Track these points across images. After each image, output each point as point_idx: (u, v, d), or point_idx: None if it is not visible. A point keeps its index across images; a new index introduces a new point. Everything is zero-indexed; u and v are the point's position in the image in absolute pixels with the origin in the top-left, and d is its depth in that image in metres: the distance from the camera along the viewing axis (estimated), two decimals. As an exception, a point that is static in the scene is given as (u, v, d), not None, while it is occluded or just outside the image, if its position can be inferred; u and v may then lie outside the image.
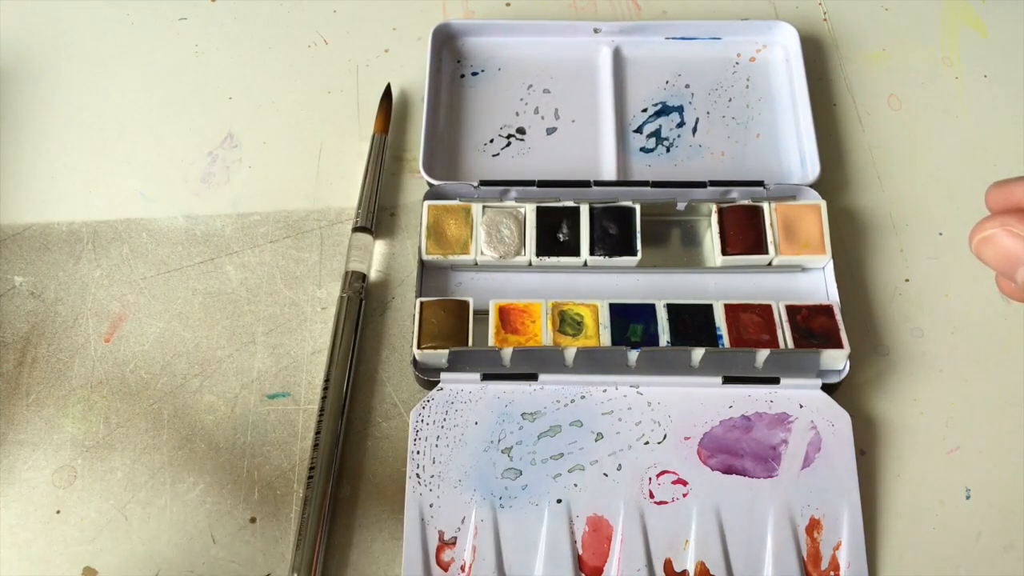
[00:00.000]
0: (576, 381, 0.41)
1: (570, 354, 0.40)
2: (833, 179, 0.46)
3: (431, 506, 0.39)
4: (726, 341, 0.40)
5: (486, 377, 0.41)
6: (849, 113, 0.49)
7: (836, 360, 0.40)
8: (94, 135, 0.48)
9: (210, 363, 0.42)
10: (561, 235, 0.43)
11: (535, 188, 0.44)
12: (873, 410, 0.41)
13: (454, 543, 0.38)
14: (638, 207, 0.43)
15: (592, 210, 0.43)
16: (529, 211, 0.43)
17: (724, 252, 0.43)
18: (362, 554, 0.39)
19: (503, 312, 0.41)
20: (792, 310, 0.41)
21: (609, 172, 0.46)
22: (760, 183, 0.44)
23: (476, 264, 0.43)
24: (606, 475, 0.39)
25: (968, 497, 0.40)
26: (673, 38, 0.50)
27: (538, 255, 0.43)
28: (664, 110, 0.48)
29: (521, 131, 0.47)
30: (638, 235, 0.43)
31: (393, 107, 0.48)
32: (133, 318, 0.43)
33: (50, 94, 0.49)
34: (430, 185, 0.44)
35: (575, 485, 0.39)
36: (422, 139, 0.45)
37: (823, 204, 0.43)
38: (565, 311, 0.41)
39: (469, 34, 0.50)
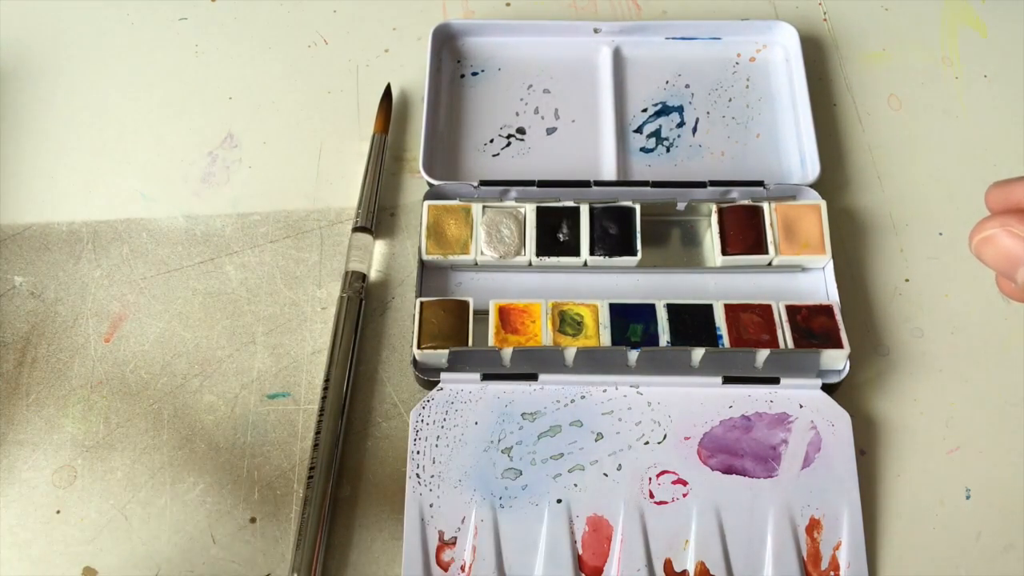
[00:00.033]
0: (576, 381, 0.41)
1: (570, 354, 0.40)
2: (833, 179, 0.46)
3: (431, 506, 0.39)
4: (726, 341, 0.40)
5: (486, 377, 0.41)
6: (849, 113, 0.49)
7: (836, 360, 0.40)
8: (94, 135, 0.48)
9: (210, 363, 0.42)
10: (561, 235, 0.43)
11: (535, 188, 0.44)
12: (873, 410, 0.41)
13: (454, 543, 0.38)
14: (638, 207, 0.43)
15: (592, 210, 0.43)
16: (529, 211, 0.43)
17: (724, 252, 0.43)
18: (362, 554, 0.39)
19: (503, 312, 0.41)
20: (792, 310, 0.41)
21: (609, 172, 0.46)
22: (760, 183, 0.44)
23: (476, 264, 0.43)
24: (606, 475, 0.39)
25: (968, 497, 0.40)
26: (673, 38, 0.50)
27: (538, 255, 0.43)
28: (664, 110, 0.48)
29: (521, 131, 0.47)
30: (638, 235, 0.43)
31: (393, 107, 0.48)
32: (133, 318, 0.43)
33: (50, 94, 0.49)
34: (430, 185, 0.44)
35: (575, 485, 0.39)
36: (422, 139, 0.45)
37: (823, 204, 0.43)
38: (565, 311, 0.41)
39: (469, 34, 0.50)
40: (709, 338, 0.40)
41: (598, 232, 0.43)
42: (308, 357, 0.42)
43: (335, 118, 0.49)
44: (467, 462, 0.39)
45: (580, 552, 0.38)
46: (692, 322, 0.40)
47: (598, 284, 0.43)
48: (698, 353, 0.39)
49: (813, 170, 0.45)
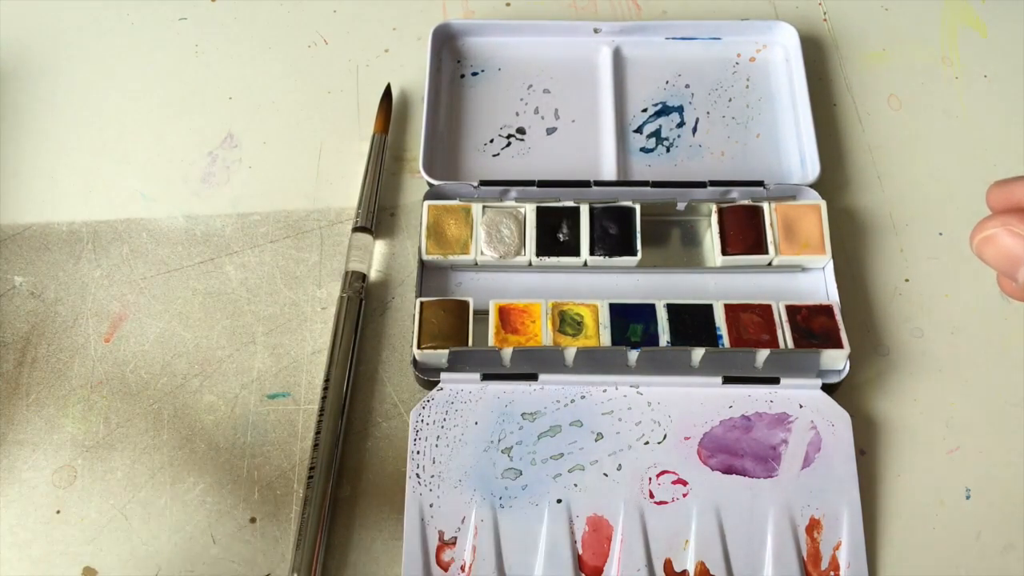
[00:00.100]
0: (576, 381, 0.41)
1: (570, 354, 0.40)
2: (833, 179, 0.46)
3: (431, 506, 0.39)
4: (726, 341, 0.40)
5: (486, 377, 0.41)
6: (849, 113, 0.49)
7: (836, 360, 0.40)
8: (94, 135, 0.48)
9: (210, 363, 0.42)
10: (561, 235, 0.43)
11: (535, 188, 0.44)
12: (873, 410, 0.41)
13: (454, 543, 0.38)
14: (638, 207, 0.43)
15: (592, 210, 0.43)
16: (529, 211, 0.43)
17: (724, 252, 0.43)
18: (362, 554, 0.39)
19: (503, 312, 0.41)
20: (792, 310, 0.41)
21: (609, 172, 0.46)
22: (760, 183, 0.44)
23: (476, 264, 0.43)
24: (606, 475, 0.39)
25: (968, 497, 0.40)
26: (673, 38, 0.50)
27: (538, 255, 0.43)
28: (664, 110, 0.48)
29: (521, 131, 0.47)
30: (638, 235, 0.43)
31: (393, 107, 0.48)
32: (133, 318, 0.43)
33: (50, 94, 0.49)
34: (430, 185, 0.44)
35: (575, 485, 0.39)
36: (422, 139, 0.45)
37: (823, 204, 0.43)
38: (565, 311, 0.41)
39: (469, 34, 0.50)
40: (709, 338, 0.40)
41: (598, 232, 0.43)
42: (308, 357, 0.42)
43: (335, 118, 0.49)
44: (467, 462, 0.39)
45: (580, 552, 0.38)
46: (692, 322, 0.40)
47: (598, 284, 0.43)
48: (698, 353, 0.39)
49: (813, 170, 0.45)
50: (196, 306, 0.44)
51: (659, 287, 0.43)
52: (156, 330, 0.43)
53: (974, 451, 0.41)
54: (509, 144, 0.47)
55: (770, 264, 0.43)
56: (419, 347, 0.40)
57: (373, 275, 0.44)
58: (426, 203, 0.44)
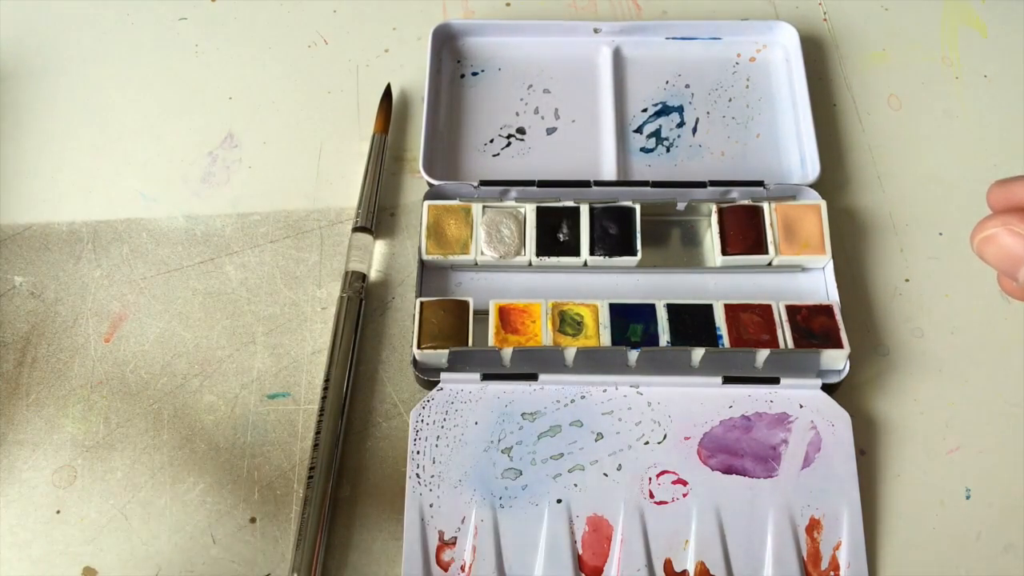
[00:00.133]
0: (576, 381, 0.41)
1: (570, 354, 0.40)
2: (833, 179, 0.46)
3: (431, 506, 0.39)
4: (726, 341, 0.40)
5: (486, 377, 0.41)
6: (849, 113, 0.49)
7: (836, 360, 0.40)
8: (94, 135, 0.48)
9: (210, 363, 0.42)
10: (561, 235, 0.43)
11: (535, 188, 0.44)
12: (873, 410, 0.41)
13: (454, 543, 0.38)
14: (638, 207, 0.43)
15: (592, 210, 0.43)
16: (529, 211, 0.43)
17: (724, 252, 0.43)
18: (362, 554, 0.39)
19: (503, 312, 0.41)
20: (792, 310, 0.41)
21: (609, 172, 0.46)
22: (760, 183, 0.44)
23: (476, 264, 0.43)
24: (606, 475, 0.39)
25: (968, 497, 0.40)
26: (673, 38, 0.50)
27: (538, 255, 0.43)
28: (664, 110, 0.48)
29: (521, 131, 0.47)
30: (638, 235, 0.43)
31: (393, 107, 0.48)
32: (133, 318, 0.43)
33: (50, 94, 0.49)
34: (430, 185, 0.44)
35: (575, 485, 0.39)
36: (422, 139, 0.45)
37: (823, 204, 0.43)
38: (565, 311, 0.41)
39: (469, 34, 0.50)
40: (709, 338, 0.40)
41: (598, 232, 0.43)
42: (308, 357, 0.42)
43: (335, 118, 0.49)
44: (467, 462, 0.39)
45: (580, 552, 0.38)
46: (692, 322, 0.40)
47: (598, 284, 0.43)
48: (698, 353, 0.39)
49: (813, 170, 0.45)
50: (196, 306, 0.44)
51: (659, 287, 0.43)
52: (156, 330, 0.43)
53: (974, 451, 0.41)
54: (509, 144, 0.47)
55: (770, 264, 0.43)
56: (419, 347, 0.40)
57: (373, 275, 0.44)
58: (426, 203, 0.44)
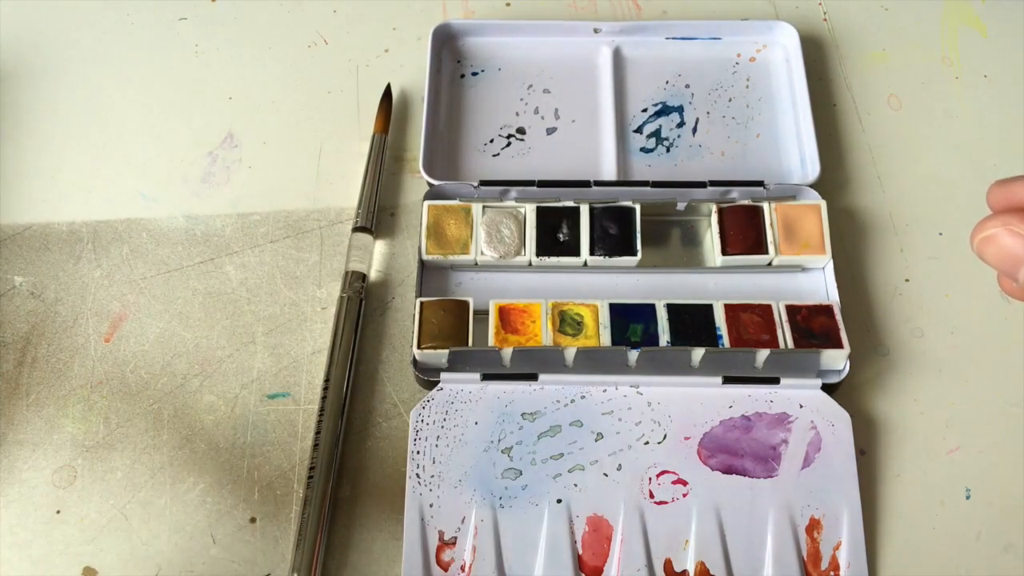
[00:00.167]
0: (576, 381, 0.41)
1: (570, 354, 0.40)
2: (833, 179, 0.46)
3: (431, 506, 0.39)
4: (726, 341, 0.40)
5: (486, 377, 0.41)
6: (849, 113, 0.49)
7: (836, 360, 0.40)
8: (94, 135, 0.48)
9: (210, 363, 0.42)
10: (561, 235, 0.43)
11: (535, 188, 0.44)
12: (873, 410, 0.41)
13: (454, 543, 0.38)
14: (638, 207, 0.43)
15: (592, 210, 0.43)
16: (529, 211, 0.43)
17: (724, 252, 0.43)
18: (362, 554, 0.39)
19: (503, 312, 0.41)
20: (792, 310, 0.41)
21: (609, 172, 0.46)
22: (760, 183, 0.44)
23: (476, 264, 0.43)
24: (606, 475, 0.39)
25: (968, 497, 0.40)
26: (673, 38, 0.50)
27: (538, 255, 0.43)
28: (664, 110, 0.48)
29: (521, 131, 0.47)
30: (638, 235, 0.43)
31: (393, 107, 0.48)
32: (133, 318, 0.43)
33: (50, 94, 0.49)
34: (430, 185, 0.44)
35: (575, 485, 0.39)
36: (422, 139, 0.45)
37: (823, 204, 0.43)
38: (565, 311, 0.41)
39: (469, 34, 0.50)
40: (709, 338, 0.40)
41: (598, 232, 0.43)
42: (308, 357, 0.42)
43: (335, 118, 0.49)
44: (467, 462, 0.39)
45: (580, 552, 0.38)
46: (692, 322, 0.40)
47: (598, 284, 0.43)
48: (698, 353, 0.39)
49: (813, 170, 0.45)
50: (196, 306, 0.44)
51: (659, 287, 0.43)
52: (156, 330, 0.43)
53: (974, 451, 0.41)
54: (509, 144, 0.47)
55: (770, 264, 0.43)
56: (419, 347, 0.40)
57: (373, 275, 0.44)
58: (426, 203, 0.44)
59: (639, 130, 0.48)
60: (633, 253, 0.43)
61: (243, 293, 0.44)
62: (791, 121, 0.47)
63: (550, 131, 0.47)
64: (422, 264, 0.43)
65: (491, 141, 0.47)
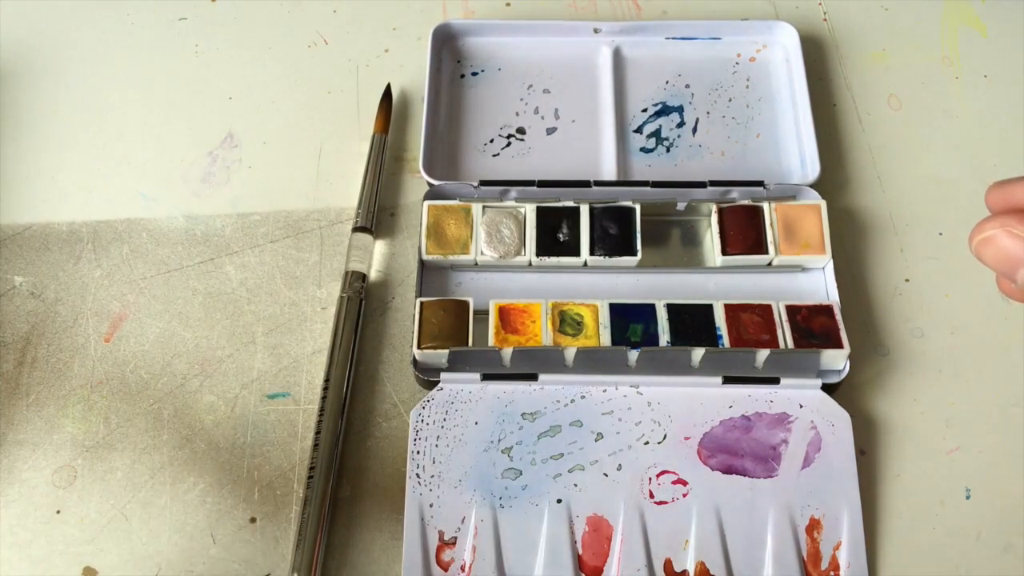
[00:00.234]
0: (576, 381, 0.41)
1: (570, 354, 0.40)
2: (833, 179, 0.46)
3: (431, 506, 0.39)
4: (726, 341, 0.40)
5: (486, 377, 0.41)
6: (849, 113, 0.49)
7: (836, 360, 0.40)
8: (94, 135, 0.48)
9: (210, 363, 0.42)
10: (561, 235, 0.43)
11: (535, 188, 0.44)
12: (873, 410, 0.41)
13: (454, 543, 0.38)
14: (638, 207, 0.43)
15: (592, 210, 0.43)
16: (529, 211, 0.43)
17: (724, 252, 0.43)
18: (362, 554, 0.39)
19: (503, 312, 0.41)
20: (792, 310, 0.41)
21: (609, 172, 0.46)
22: (760, 183, 0.44)
23: (476, 264, 0.43)
24: (606, 475, 0.39)
25: (968, 497, 0.40)
26: (673, 38, 0.50)
27: (538, 255, 0.43)
28: (664, 110, 0.48)
29: (521, 131, 0.47)
30: (638, 235, 0.43)
31: (393, 107, 0.48)
32: (133, 318, 0.43)
33: (50, 94, 0.49)
34: (430, 185, 0.44)
35: (575, 485, 0.39)
36: (422, 139, 0.45)
37: (823, 204, 0.43)
38: (565, 311, 0.41)
39: (469, 34, 0.50)
40: (709, 338, 0.40)
41: (598, 232, 0.43)
42: (308, 357, 0.42)
43: (335, 118, 0.49)
44: (467, 462, 0.39)
45: (580, 552, 0.38)
46: (692, 322, 0.40)
47: (598, 284, 0.43)
48: (698, 353, 0.39)
49: (813, 170, 0.45)
50: (196, 306, 0.44)
51: (659, 287, 0.43)
52: (156, 330, 0.43)
53: (974, 451, 0.41)
54: (509, 144, 0.47)
55: (770, 264, 0.43)
56: (419, 347, 0.40)
57: (373, 275, 0.44)
58: (426, 203, 0.44)
59: (639, 130, 0.48)
60: (633, 253, 0.43)
61: (243, 293, 0.44)
62: (791, 121, 0.47)
63: (550, 131, 0.47)
64: (422, 264, 0.43)
65: (491, 141, 0.47)
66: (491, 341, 0.40)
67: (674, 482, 0.39)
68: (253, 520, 0.39)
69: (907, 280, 0.44)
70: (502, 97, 0.48)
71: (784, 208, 0.43)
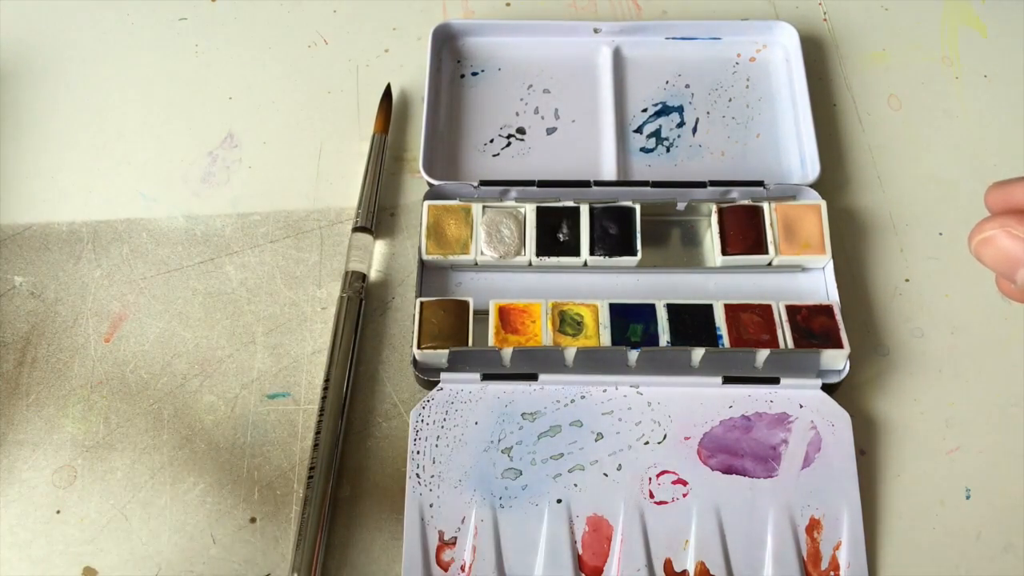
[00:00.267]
0: (576, 381, 0.41)
1: (570, 354, 0.40)
2: (833, 179, 0.46)
3: (431, 506, 0.39)
4: (726, 341, 0.40)
5: (486, 377, 0.41)
6: (849, 113, 0.49)
7: (836, 360, 0.40)
8: (94, 135, 0.48)
9: (210, 363, 0.42)
10: (561, 235, 0.43)
11: (535, 188, 0.44)
12: (873, 410, 0.41)
13: (454, 543, 0.38)
14: (638, 207, 0.43)
15: (592, 210, 0.43)
16: (529, 211, 0.43)
17: (724, 252, 0.43)
18: (362, 554, 0.39)
19: (503, 312, 0.41)
20: (792, 310, 0.41)
21: (609, 172, 0.46)
22: (760, 183, 0.44)
23: (476, 264, 0.43)
24: (606, 475, 0.39)
25: (968, 497, 0.40)
26: (673, 38, 0.50)
27: (538, 255, 0.43)
28: (664, 110, 0.48)
29: (521, 131, 0.47)
30: (638, 235, 0.43)
31: (393, 107, 0.48)
32: (133, 318, 0.43)
33: (50, 94, 0.49)
34: (430, 185, 0.44)
35: (575, 485, 0.39)
36: (422, 139, 0.45)
37: (823, 204, 0.43)
38: (565, 311, 0.41)
39: (469, 34, 0.50)
40: (709, 338, 0.40)
41: (598, 232, 0.43)
42: (308, 357, 0.42)
43: (335, 118, 0.49)
44: (467, 462, 0.39)
45: (580, 552, 0.38)
46: (692, 322, 0.40)
47: (598, 284, 0.43)
48: (698, 353, 0.39)
49: (813, 170, 0.45)
50: (196, 306, 0.44)
51: (659, 287, 0.43)
52: (156, 330, 0.43)
53: (974, 451, 0.41)
54: (509, 144, 0.47)
55: (770, 264, 0.43)
56: (419, 347, 0.40)
57: (373, 275, 0.44)
58: (426, 203, 0.44)
59: (639, 130, 0.48)
60: (633, 253, 0.43)
61: (243, 293, 0.44)
62: (791, 121, 0.47)
63: (550, 131, 0.47)
64: (422, 264, 0.43)
65: (491, 141, 0.47)
66: (491, 341, 0.40)
67: (674, 482, 0.39)
68: (253, 520, 0.39)
69: (907, 280, 0.44)
70: (502, 97, 0.48)
71: (784, 208, 0.43)
